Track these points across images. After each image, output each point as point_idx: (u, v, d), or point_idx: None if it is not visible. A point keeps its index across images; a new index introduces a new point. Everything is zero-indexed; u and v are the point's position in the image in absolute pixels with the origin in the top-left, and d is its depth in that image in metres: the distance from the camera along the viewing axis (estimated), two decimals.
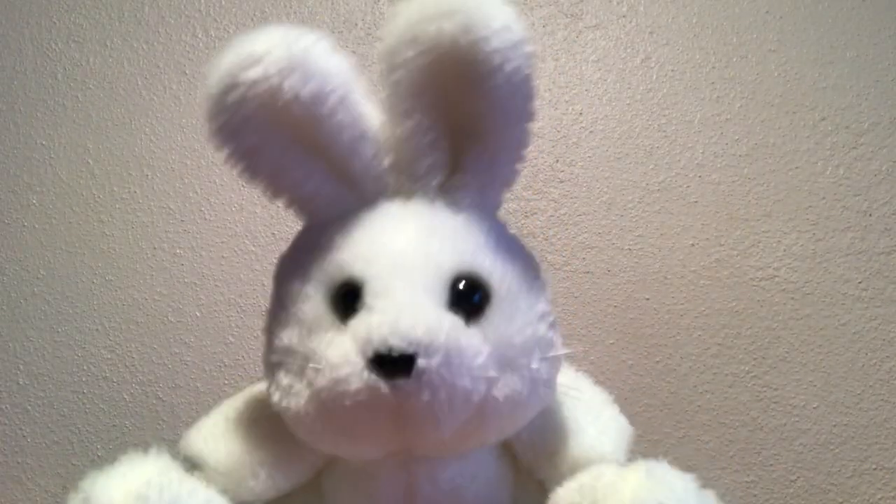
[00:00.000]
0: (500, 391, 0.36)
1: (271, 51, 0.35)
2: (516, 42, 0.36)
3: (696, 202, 0.78)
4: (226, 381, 0.76)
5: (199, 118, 0.80)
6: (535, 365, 0.37)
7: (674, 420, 0.75)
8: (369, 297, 0.36)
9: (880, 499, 0.74)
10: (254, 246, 0.78)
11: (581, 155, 0.79)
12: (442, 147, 0.39)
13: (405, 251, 0.37)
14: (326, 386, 0.34)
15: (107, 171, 0.80)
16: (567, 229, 0.78)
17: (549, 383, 0.39)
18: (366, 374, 0.33)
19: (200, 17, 0.82)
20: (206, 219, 0.79)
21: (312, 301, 0.37)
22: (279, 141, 0.38)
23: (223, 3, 0.82)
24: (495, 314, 0.37)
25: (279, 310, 0.39)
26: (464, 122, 0.38)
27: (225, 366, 0.76)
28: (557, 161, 0.79)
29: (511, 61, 0.35)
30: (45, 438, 0.76)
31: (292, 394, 0.37)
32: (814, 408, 0.75)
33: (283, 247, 0.77)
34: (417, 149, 0.39)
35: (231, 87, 0.36)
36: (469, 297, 0.37)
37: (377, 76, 0.39)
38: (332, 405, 0.34)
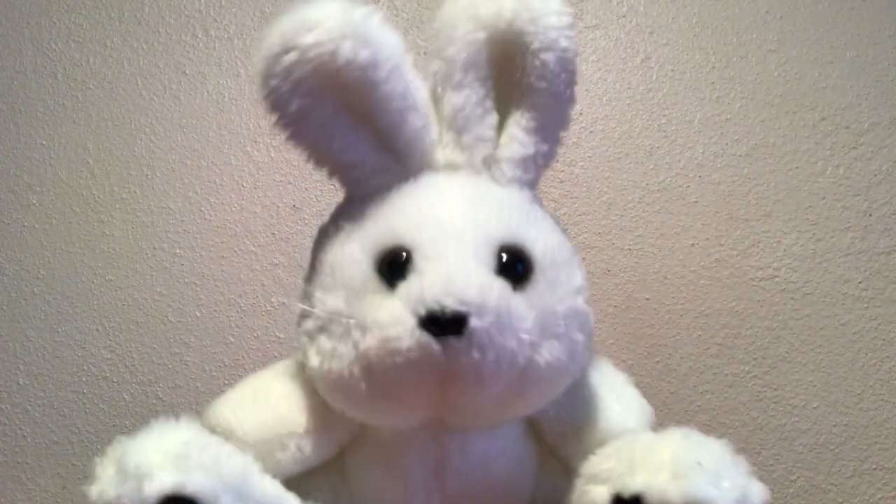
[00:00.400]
0: (542, 357, 0.37)
1: (328, 17, 0.36)
2: (569, 24, 0.40)
3: (696, 202, 0.78)
4: (226, 381, 0.76)
5: (199, 118, 0.80)
6: (573, 334, 0.38)
7: (674, 420, 0.75)
8: (420, 260, 0.36)
9: (880, 499, 0.74)
10: (254, 246, 0.78)
11: (581, 155, 0.79)
12: (490, 120, 0.41)
13: (454, 218, 0.38)
14: (375, 345, 0.35)
15: (107, 171, 0.80)
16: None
17: (585, 353, 0.40)
18: (417, 332, 0.34)
19: (200, 17, 0.82)
20: (206, 219, 0.79)
21: (359, 266, 0.38)
22: (328, 107, 0.38)
23: (223, 3, 0.82)
24: (539, 283, 0.38)
25: (322, 276, 0.40)
26: (512, 96, 0.40)
27: (225, 366, 0.76)
28: (557, 161, 0.78)
29: (563, 40, 0.39)
30: (45, 438, 0.76)
31: (336, 356, 0.37)
32: (814, 408, 0.75)
33: (284, 247, 0.78)
34: (467, 121, 0.40)
35: (287, 49, 0.36)
36: (514, 267, 0.38)
37: (427, 50, 0.41)
38: (380, 365, 0.35)
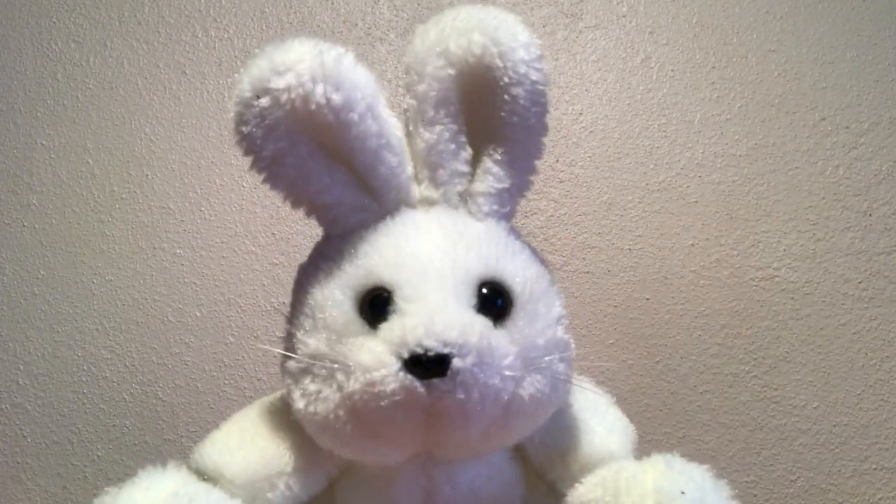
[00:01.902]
0: (525, 391, 0.37)
1: (302, 59, 0.36)
2: (538, 56, 0.39)
3: (696, 202, 0.78)
4: (226, 381, 0.76)
5: (199, 118, 0.80)
6: (555, 366, 0.39)
7: (674, 420, 0.75)
8: (401, 301, 0.37)
9: (880, 499, 0.74)
10: (254, 246, 0.78)
11: (581, 155, 0.79)
12: (464, 155, 0.41)
13: (433, 257, 0.38)
14: (360, 388, 0.35)
15: (107, 171, 0.80)
16: (567, 229, 0.78)
17: (567, 382, 0.41)
18: (401, 374, 0.34)
19: (200, 17, 0.82)
20: (206, 219, 0.79)
21: (341, 307, 0.38)
22: (303, 149, 0.39)
23: (223, 3, 0.82)
24: (519, 317, 0.38)
25: (303, 318, 0.40)
26: (484, 131, 0.41)
27: (225, 366, 0.76)
28: (557, 161, 0.79)
29: (533, 73, 0.39)
30: (45, 438, 0.76)
31: (320, 399, 0.37)
32: (814, 408, 0.75)
33: (284, 247, 0.78)
34: (441, 157, 0.41)
35: (262, 92, 0.37)
36: (494, 301, 0.38)
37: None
38: (365, 407, 0.35)
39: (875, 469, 0.74)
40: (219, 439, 0.43)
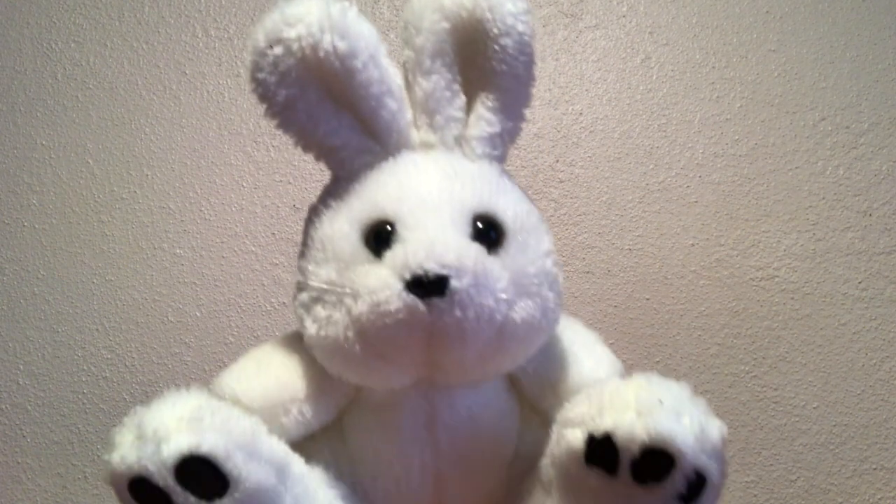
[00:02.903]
0: (517, 314, 0.40)
1: (309, 12, 0.40)
2: (525, 9, 0.42)
3: (696, 202, 0.78)
4: None
5: (199, 118, 0.80)
6: (545, 293, 0.42)
7: None
8: (403, 231, 0.40)
9: (880, 499, 0.74)
10: (254, 246, 0.78)
11: (581, 155, 0.79)
12: (458, 102, 0.44)
13: (431, 191, 0.42)
14: (367, 310, 0.38)
15: (107, 171, 0.80)
16: (567, 229, 0.78)
17: (557, 311, 0.44)
18: (404, 294, 0.37)
19: (200, 17, 0.82)
20: (206, 219, 0.79)
21: (348, 239, 0.41)
22: (313, 95, 0.42)
23: (223, 3, 0.82)
24: (510, 247, 0.41)
25: (314, 251, 0.43)
26: (477, 79, 0.44)
27: (225, 366, 0.76)
28: (557, 161, 0.79)
29: (519, 25, 0.42)
30: (45, 438, 0.76)
31: (331, 323, 0.40)
32: (814, 408, 0.75)
33: (284, 247, 0.78)
34: (437, 103, 0.44)
35: (275, 42, 0.40)
36: (488, 233, 0.41)
37: (397, 39, 0.44)
38: (371, 327, 0.38)
39: (875, 469, 0.74)
40: (236, 369, 0.47)
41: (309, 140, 0.43)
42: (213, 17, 0.82)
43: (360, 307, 0.38)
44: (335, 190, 0.44)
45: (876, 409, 0.75)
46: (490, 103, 0.44)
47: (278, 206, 0.78)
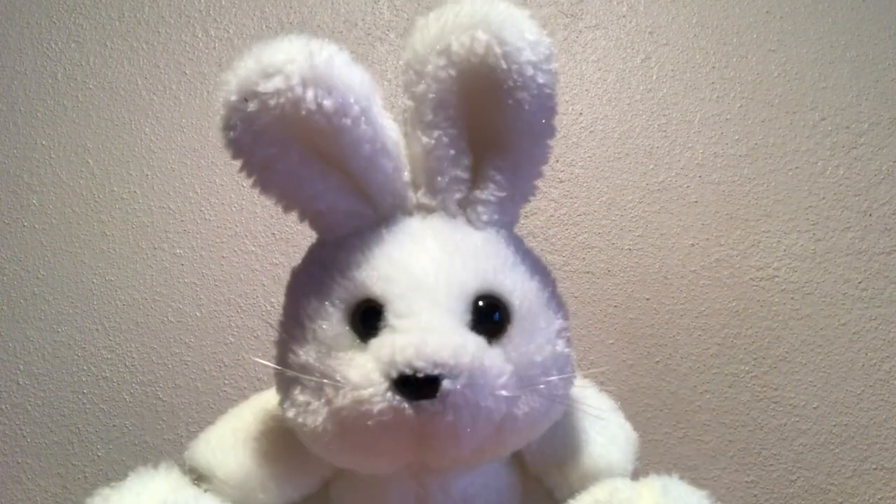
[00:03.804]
0: (520, 409, 0.36)
1: (293, 60, 0.34)
2: (546, 57, 0.36)
3: (696, 202, 0.78)
4: (226, 381, 0.76)
5: (199, 118, 0.80)
6: (553, 382, 0.38)
7: (674, 420, 0.75)
8: (392, 317, 0.35)
9: (880, 499, 0.74)
10: (254, 246, 0.78)
11: (581, 155, 0.79)
12: (464, 161, 0.39)
13: (427, 270, 0.37)
14: (348, 406, 0.34)
15: (107, 171, 0.80)
16: (567, 229, 0.78)
17: (565, 398, 0.39)
18: (389, 394, 0.33)
19: (200, 17, 0.82)
20: (206, 219, 0.79)
21: (331, 319, 0.37)
22: (295, 154, 0.37)
23: (223, 3, 0.82)
24: (516, 333, 0.37)
25: (294, 326, 0.39)
26: (486, 136, 0.38)
27: (225, 366, 0.76)
28: (557, 161, 0.79)
29: (541, 75, 0.36)
30: (45, 438, 0.76)
31: (309, 411, 0.37)
32: (814, 408, 0.75)
33: (284, 247, 0.78)
34: (439, 163, 0.38)
35: (250, 96, 0.35)
36: (490, 317, 0.37)
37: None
38: (353, 425, 0.34)
39: (875, 469, 0.74)
40: (212, 438, 0.43)
41: (291, 202, 0.39)
42: (213, 17, 0.82)
43: (341, 401, 0.34)
44: (320, 256, 0.40)
45: (876, 409, 0.75)
46: (501, 163, 0.38)
47: (278, 206, 0.78)
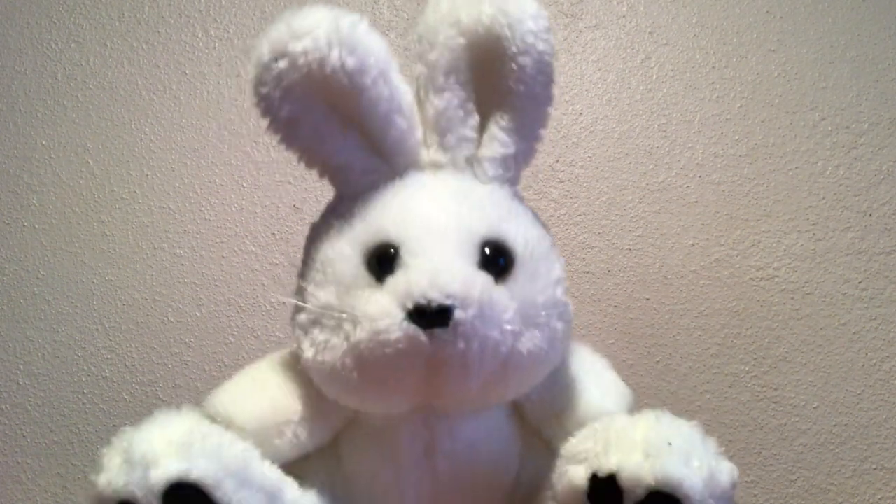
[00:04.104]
0: (524, 345, 0.39)
1: (317, 25, 0.38)
2: (545, 27, 0.40)
3: (696, 202, 0.78)
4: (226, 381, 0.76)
5: (199, 118, 0.80)
6: (553, 324, 0.41)
7: None
8: (406, 256, 0.38)
9: (880, 499, 0.74)
10: (254, 246, 0.78)
11: (581, 155, 0.79)
12: (471, 122, 0.43)
13: (439, 216, 0.40)
14: (366, 337, 0.37)
15: (107, 171, 0.80)
16: (567, 229, 0.78)
17: (565, 341, 0.42)
18: (405, 324, 0.36)
19: (200, 17, 0.82)
20: (206, 219, 0.79)
21: (349, 262, 0.40)
22: (319, 111, 0.40)
23: (223, 3, 0.82)
24: (519, 276, 0.40)
25: (314, 272, 0.42)
26: (492, 98, 0.42)
27: (225, 366, 0.76)
28: (557, 161, 0.79)
29: (540, 44, 0.40)
30: (45, 438, 0.76)
31: (328, 348, 0.39)
32: (814, 408, 0.75)
33: (284, 247, 0.78)
34: (449, 122, 0.42)
35: (280, 55, 0.38)
36: (496, 260, 0.40)
37: (409, 54, 0.43)
38: (370, 355, 0.37)
39: (875, 469, 0.74)
40: (230, 388, 0.45)
41: (313, 158, 0.42)
42: (213, 17, 0.82)
43: (360, 334, 0.37)
44: (338, 209, 0.43)
45: (876, 409, 0.75)
46: (504, 123, 0.42)
47: (278, 206, 0.78)
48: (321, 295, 0.40)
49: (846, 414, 0.75)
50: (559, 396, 0.45)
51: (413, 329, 0.36)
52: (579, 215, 0.78)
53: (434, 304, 0.35)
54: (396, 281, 0.37)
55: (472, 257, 0.39)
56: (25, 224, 0.79)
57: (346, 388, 0.40)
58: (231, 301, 0.77)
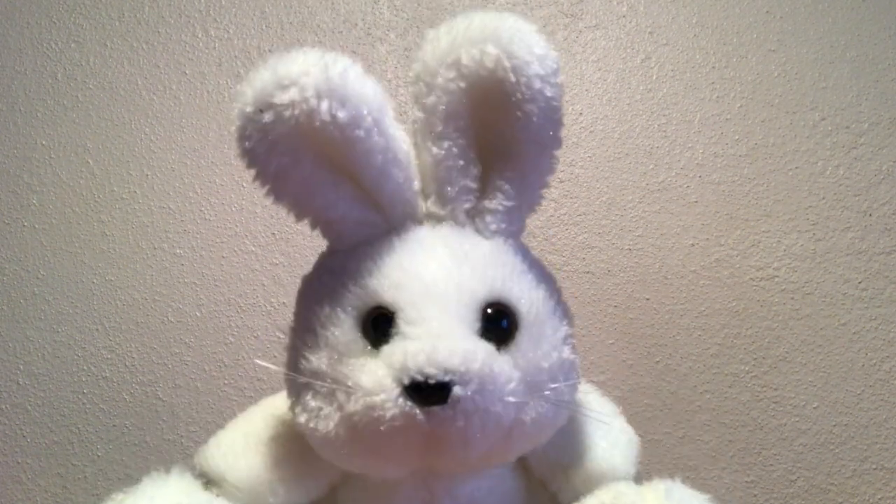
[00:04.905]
0: (528, 415, 0.37)
1: (308, 72, 0.35)
2: (554, 70, 0.37)
3: (696, 202, 0.78)
4: (226, 382, 0.76)
5: (199, 118, 0.80)
6: (559, 388, 0.38)
7: (674, 420, 0.75)
8: (403, 324, 0.36)
9: (880, 499, 0.74)
10: (254, 246, 0.78)
11: (581, 155, 0.79)
12: (472, 172, 0.40)
13: (437, 278, 0.37)
14: (360, 411, 0.35)
15: (107, 171, 0.80)
16: (567, 229, 0.78)
17: (571, 404, 0.40)
18: (401, 400, 0.34)
19: (200, 17, 0.82)
20: (206, 219, 0.79)
21: (343, 326, 0.38)
22: (308, 163, 0.38)
23: (223, 3, 0.82)
24: (524, 340, 0.38)
25: (306, 332, 0.39)
26: (494, 147, 0.39)
27: (225, 366, 0.76)
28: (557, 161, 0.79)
29: (548, 88, 0.37)
30: (45, 438, 0.76)
31: (321, 416, 0.37)
32: (814, 408, 0.75)
33: (284, 247, 0.78)
34: (449, 173, 0.39)
35: (265, 107, 0.35)
36: (499, 324, 0.38)
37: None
38: (364, 429, 0.35)
39: (875, 469, 0.74)
40: (223, 443, 0.44)
41: (303, 211, 0.40)
42: (213, 17, 0.82)
43: (353, 406, 0.35)
44: (331, 264, 0.41)
45: (876, 409, 0.75)
46: (509, 173, 0.39)
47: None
48: (313, 360, 0.38)
49: (846, 414, 0.75)
50: (565, 451, 0.43)
51: (409, 406, 0.34)
52: (579, 215, 0.78)
53: (432, 381, 0.34)
54: (393, 351, 0.35)
55: (472, 323, 0.37)
56: (25, 224, 0.79)
57: (340, 456, 0.38)
58: (231, 301, 0.77)
